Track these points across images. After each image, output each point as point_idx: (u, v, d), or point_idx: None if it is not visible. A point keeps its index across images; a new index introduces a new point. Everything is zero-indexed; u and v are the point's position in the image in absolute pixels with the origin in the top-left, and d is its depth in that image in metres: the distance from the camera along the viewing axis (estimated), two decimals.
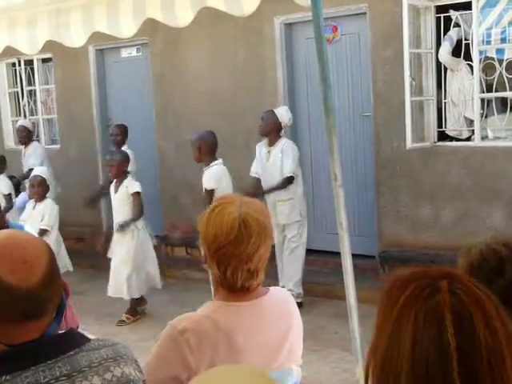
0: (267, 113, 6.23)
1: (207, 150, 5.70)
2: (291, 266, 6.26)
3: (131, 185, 6.21)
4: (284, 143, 6.19)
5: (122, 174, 6.22)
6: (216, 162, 5.69)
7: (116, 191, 6.26)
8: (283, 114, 6.24)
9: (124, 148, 7.21)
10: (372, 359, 1.00)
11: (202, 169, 5.79)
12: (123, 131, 7.40)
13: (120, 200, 6.22)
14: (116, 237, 6.27)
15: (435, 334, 0.93)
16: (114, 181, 6.31)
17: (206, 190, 5.62)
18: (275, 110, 6.26)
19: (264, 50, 7.28)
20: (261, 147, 6.33)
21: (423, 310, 0.95)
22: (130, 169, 7.19)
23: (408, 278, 1.04)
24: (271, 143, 6.21)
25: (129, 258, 6.16)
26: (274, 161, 6.16)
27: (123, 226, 6.11)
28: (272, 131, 6.18)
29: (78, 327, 2.81)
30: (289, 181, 6.11)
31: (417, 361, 0.94)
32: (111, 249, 6.37)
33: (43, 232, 6.27)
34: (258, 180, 6.34)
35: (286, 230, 6.26)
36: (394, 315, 0.99)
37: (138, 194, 6.18)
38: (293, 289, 6.05)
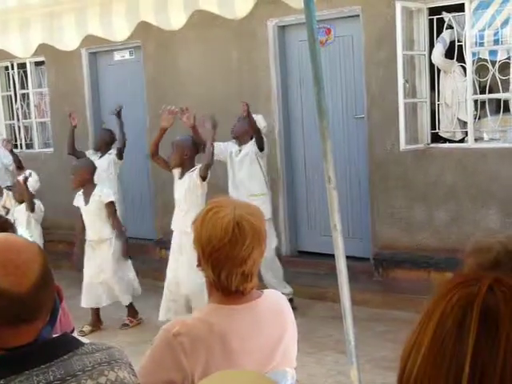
0: (244, 118, 6.15)
1: (192, 155, 5.67)
2: (268, 271, 6.17)
3: (104, 193, 5.97)
4: (253, 141, 6.18)
5: (86, 183, 5.98)
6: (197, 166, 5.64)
7: (86, 203, 5.98)
8: (259, 121, 6.22)
9: (110, 150, 7.20)
10: (406, 341, 1.02)
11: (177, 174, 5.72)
12: (105, 136, 7.33)
13: (93, 211, 5.96)
14: (89, 250, 6.13)
15: (459, 320, 0.94)
16: (81, 191, 6.04)
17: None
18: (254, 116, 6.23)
19: (257, 53, 7.28)
20: (231, 146, 6.28)
21: (457, 295, 0.97)
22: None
23: (461, 273, 1.06)
24: (242, 143, 6.22)
25: (108, 267, 6.05)
26: (242, 157, 6.14)
27: (125, 252, 6.10)
28: (244, 134, 6.18)
29: (73, 331, 2.80)
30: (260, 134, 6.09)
31: (436, 340, 0.95)
32: (85, 259, 6.19)
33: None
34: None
35: None
36: (433, 299, 1.02)
37: (112, 203, 5.99)
38: (281, 291, 5.99)
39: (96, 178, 6.23)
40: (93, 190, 5.99)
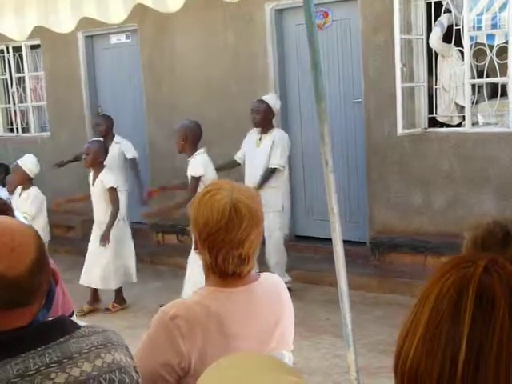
0: (258, 103, 6.14)
1: (193, 140, 5.66)
2: (270, 256, 6.21)
3: (107, 179, 6.06)
4: (276, 133, 6.15)
5: (97, 164, 6.07)
6: (199, 151, 5.65)
7: (93, 183, 6.14)
8: (273, 100, 6.21)
9: (116, 138, 7.14)
10: (402, 326, 1.03)
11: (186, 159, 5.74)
12: (105, 121, 7.19)
13: (96, 193, 6.11)
14: (97, 229, 6.22)
15: (455, 301, 0.95)
16: (91, 172, 6.17)
17: (192, 177, 5.56)
18: (265, 99, 6.21)
19: (254, 36, 7.24)
20: (252, 134, 6.28)
21: (452, 277, 0.98)
22: (129, 157, 7.13)
23: (457, 256, 1.07)
24: (264, 131, 6.17)
25: (107, 249, 6.09)
26: (264, 149, 6.12)
27: (104, 238, 6.07)
28: (266, 121, 6.14)
29: (72, 313, 2.80)
30: (271, 172, 6.10)
31: (433, 321, 0.96)
32: (91, 238, 6.29)
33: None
34: (234, 162, 6.35)
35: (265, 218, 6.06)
36: (429, 281, 1.02)
37: (113, 189, 6.04)
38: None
39: (116, 177, 6.30)
40: (100, 172, 6.08)
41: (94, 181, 6.12)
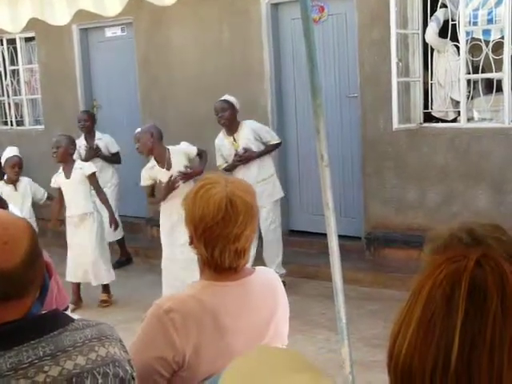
0: (223, 103, 6.11)
1: (159, 139, 5.67)
2: (272, 248, 6.23)
3: (85, 166, 6.04)
4: (247, 125, 6.13)
5: (68, 158, 6.03)
6: (168, 148, 5.65)
7: (68, 177, 6.03)
8: (233, 99, 6.18)
9: (98, 135, 7.19)
10: (396, 315, 1.03)
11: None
12: (91, 117, 7.30)
13: (74, 185, 6.01)
14: (72, 228, 6.18)
15: (448, 294, 0.96)
16: (61, 168, 6.10)
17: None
18: (227, 98, 6.16)
19: (250, 31, 7.22)
20: (222, 140, 6.20)
21: (445, 270, 0.98)
22: (113, 151, 7.17)
23: (448, 252, 1.07)
24: (233, 131, 6.12)
25: (92, 245, 6.07)
26: (245, 143, 6.07)
27: (115, 223, 6.17)
28: (234, 118, 6.12)
29: (67, 308, 2.80)
30: (275, 146, 6.18)
31: (426, 314, 0.96)
32: (68, 235, 6.27)
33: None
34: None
35: (264, 211, 6.09)
36: (423, 274, 1.03)
37: (94, 174, 6.06)
38: (276, 270, 6.04)
39: (91, 163, 6.33)
40: (73, 164, 6.05)
41: (67, 174, 6.03)
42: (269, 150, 6.20)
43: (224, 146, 6.19)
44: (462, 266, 0.97)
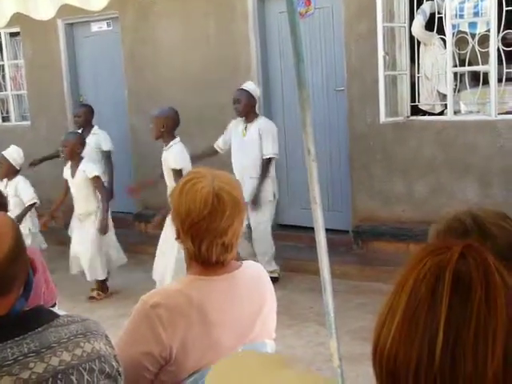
0: (240, 92, 6.08)
1: (172, 127, 5.60)
2: (260, 246, 6.21)
3: (89, 168, 6.02)
4: (262, 122, 6.11)
5: (75, 156, 6.02)
6: (175, 140, 5.59)
7: (73, 176, 6.06)
8: (254, 88, 6.17)
9: (94, 129, 7.12)
10: (380, 309, 1.03)
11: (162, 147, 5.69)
12: (85, 111, 7.17)
13: (78, 185, 6.03)
14: (77, 221, 6.22)
15: (432, 287, 0.95)
16: (69, 164, 6.11)
17: (174, 170, 5.49)
18: (246, 87, 6.16)
19: (236, 24, 7.20)
20: (237, 123, 6.22)
21: (429, 263, 0.98)
22: (105, 149, 7.12)
23: (433, 243, 1.07)
24: (249, 120, 6.12)
25: (91, 241, 6.08)
26: (250, 137, 6.08)
27: (103, 228, 6.08)
28: (250, 110, 6.10)
29: (55, 304, 2.78)
30: (268, 162, 6.09)
31: (410, 307, 0.96)
32: (71, 228, 6.34)
33: (31, 207, 6.28)
34: (212, 149, 6.31)
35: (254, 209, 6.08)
36: (406, 268, 1.03)
37: (98, 177, 6.01)
38: (267, 268, 6.02)
39: (96, 166, 6.30)
40: (79, 163, 6.03)
41: (73, 173, 6.05)
42: (264, 171, 6.08)
43: (236, 131, 6.17)
44: (445, 258, 0.97)
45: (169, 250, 5.38)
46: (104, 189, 6.16)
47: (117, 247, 6.45)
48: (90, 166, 6.06)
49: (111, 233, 6.36)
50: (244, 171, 6.02)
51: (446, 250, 0.99)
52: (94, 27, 8.51)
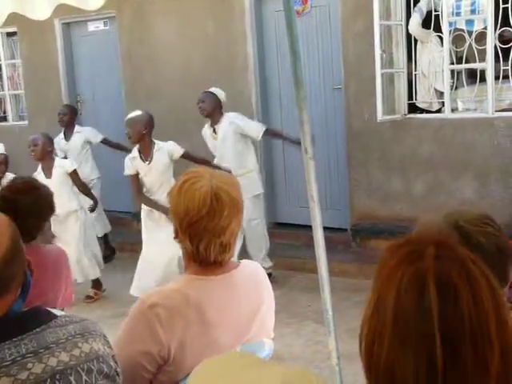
0: (206, 94, 6.09)
1: (151, 130, 5.49)
2: (253, 243, 6.19)
3: (66, 164, 5.95)
4: (229, 117, 6.07)
5: (47, 156, 5.91)
6: (157, 142, 5.51)
7: (49, 176, 5.86)
8: (220, 92, 6.16)
9: (77, 128, 7.14)
10: (364, 326, 1.00)
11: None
12: (70, 111, 7.20)
13: (57, 184, 5.73)
14: (57, 225, 6.12)
15: (417, 300, 0.93)
16: (40, 167, 5.95)
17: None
18: (210, 90, 6.14)
19: (233, 23, 7.20)
20: (205, 131, 6.20)
21: (407, 274, 0.95)
22: (99, 140, 7.13)
23: (398, 245, 1.02)
24: (215, 122, 6.08)
25: (76, 242, 6.01)
26: (223, 135, 6.04)
27: (93, 209, 6.08)
28: (215, 110, 6.07)
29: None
30: (265, 134, 6.10)
31: (399, 324, 0.94)
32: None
33: None
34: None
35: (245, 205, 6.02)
36: (381, 280, 0.99)
37: (75, 171, 5.96)
38: (263, 265, 6.00)
39: (71, 160, 6.27)
40: (53, 162, 5.93)
41: (48, 173, 5.90)
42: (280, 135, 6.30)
43: (207, 137, 6.19)
44: (422, 266, 0.94)
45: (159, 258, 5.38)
46: (83, 183, 6.15)
47: (98, 248, 6.42)
48: (66, 162, 6.02)
49: (93, 233, 6.36)
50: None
51: (419, 254, 0.96)
52: (91, 27, 8.50)
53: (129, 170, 5.50)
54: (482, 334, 0.91)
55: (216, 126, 6.09)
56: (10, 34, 9.22)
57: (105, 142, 7.21)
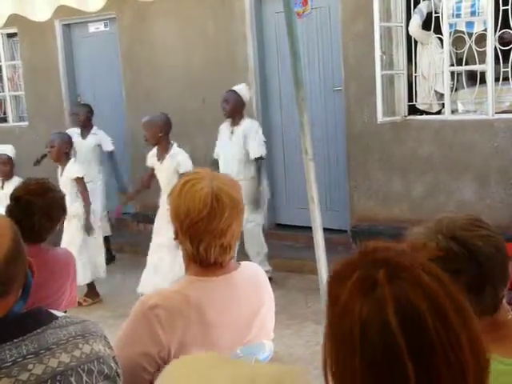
0: (230, 93, 6.07)
1: (167, 132, 5.56)
2: (251, 246, 6.18)
3: (72, 169, 5.99)
4: (247, 124, 6.06)
5: (63, 157, 5.97)
6: (174, 144, 5.57)
7: (61, 174, 6.04)
8: (244, 91, 6.15)
9: (94, 129, 7.09)
10: (327, 357, 0.97)
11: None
12: (87, 110, 7.11)
13: (64, 184, 5.87)
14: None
15: (381, 331, 0.90)
16: (59, 164, 6.05)
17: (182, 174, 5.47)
18: (236, 89, 6.13)
19: (234, 25, 7.20)
20: (224, 128, 6.19)
21: (365, 308, 0.91)
22: (108, 149, 7.08)
23: (345, 271, 0.98)
24: (235, 123, 6.08)
25: (74, 245, 5.93)
26: (236, 140, 6.03)
27: (88, 229, 6.04)
28: (237, 111, 6.06)
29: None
30: (258, 162, 6.03)
31: (369, 364, 0.91)
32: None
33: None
34: (215, 161, 6.25)
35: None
36: (338, 315, 0.95)
37: (80, 179, 5.97)
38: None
39: (82, 158, 6.30)
40: (66, 163, 5.99)
41: (62, 172, 6.03)
42: (260, 174, 6.06)
43: (222, 134, 6.16)
44: (378, 296, 0.90)
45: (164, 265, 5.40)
46: (86, 191, 6.08)
47: (102, 258, 6.34)
48: (74, 168, 6.02)
49: (99, 238, 6.30)
50: (231, 174, 5.96)
51: (372, 282, 0.92)
52: (92, 28, 8.51)
53: (148, 162, 5.77)
54: (456, 357, 0.89)
55: (234, 128, 6.08)
56: (10, 35, 9.22)
57: (110, 155, 7.15)
